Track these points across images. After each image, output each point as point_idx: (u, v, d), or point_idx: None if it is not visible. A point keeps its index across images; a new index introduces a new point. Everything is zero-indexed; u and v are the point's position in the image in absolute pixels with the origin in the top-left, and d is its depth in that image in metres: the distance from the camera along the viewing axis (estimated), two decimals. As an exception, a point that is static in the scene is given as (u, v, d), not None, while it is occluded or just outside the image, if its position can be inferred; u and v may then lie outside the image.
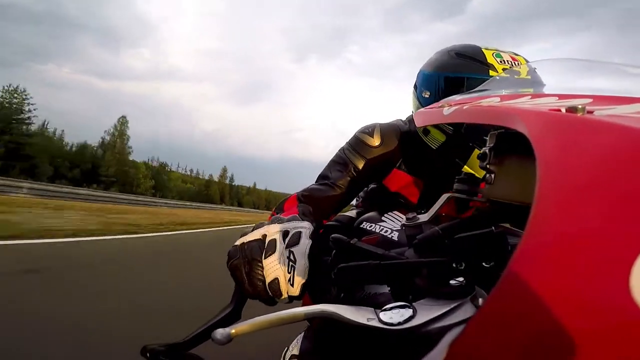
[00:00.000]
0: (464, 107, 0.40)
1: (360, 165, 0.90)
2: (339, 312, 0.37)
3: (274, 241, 0.49)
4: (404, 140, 0.93)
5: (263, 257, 0.47)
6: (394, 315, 0.34)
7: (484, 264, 0.36)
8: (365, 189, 1.06)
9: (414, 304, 0.36)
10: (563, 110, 0.28)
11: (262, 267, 0.47)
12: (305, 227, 0.51)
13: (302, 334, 0.84)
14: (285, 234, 0.50)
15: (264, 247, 0.48)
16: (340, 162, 0.93)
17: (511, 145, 0.42)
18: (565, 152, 0.22)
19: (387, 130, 0.94)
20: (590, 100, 0.32)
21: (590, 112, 0.27)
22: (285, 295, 0.47)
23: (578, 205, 0.19)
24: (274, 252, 0.48)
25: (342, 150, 0.96)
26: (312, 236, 0.50)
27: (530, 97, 0.37)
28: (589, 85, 0.45)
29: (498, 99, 0.39)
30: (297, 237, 0.49)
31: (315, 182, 0.92)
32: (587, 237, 0.18)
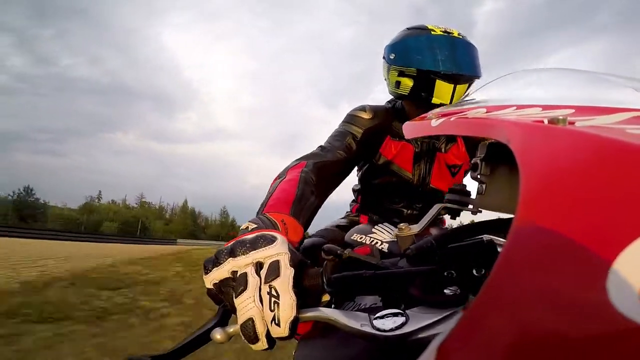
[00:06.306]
0: (451, 119, 0.40)
1: (359, 134, 1.09)
2: (334, 316, 0.38)
3: (244, 276, 0.42)
4: (390, 113, 1.16)
5: (234, 297, 0.41)
6: (386, 322, 0.35)
7: (475, 272, 0.36)
8: (360, 169, 1.23)
9: (407, 311, 0.36)
10: (545, 121, 0.29)
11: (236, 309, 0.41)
12: (280, 252, 0.43)
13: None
14: (258, 265, 0.43)
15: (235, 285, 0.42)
16: (338, 135, 1.09)
17: (502, 155, 0.43)
18: (546, 163, 0.23)
19: (375, 107, 1.16)
20: (573, 110, 0.32)
21: (572, 123, 0.28)
22: (262, 338, 0.40)
23: (557, 214, 0.19)
24: (245, 288, 0.41)
25: (339, 127, 1.13)
26: (292, 262, 0.43)
27: (515, 107, 0.38)
28: (574, 95, 0.47)
29: (484, 109, 0.40)
30: (276, 267, 0.42)
31: (316, 149, 1.04)
32: (566, 244, 0.18)
